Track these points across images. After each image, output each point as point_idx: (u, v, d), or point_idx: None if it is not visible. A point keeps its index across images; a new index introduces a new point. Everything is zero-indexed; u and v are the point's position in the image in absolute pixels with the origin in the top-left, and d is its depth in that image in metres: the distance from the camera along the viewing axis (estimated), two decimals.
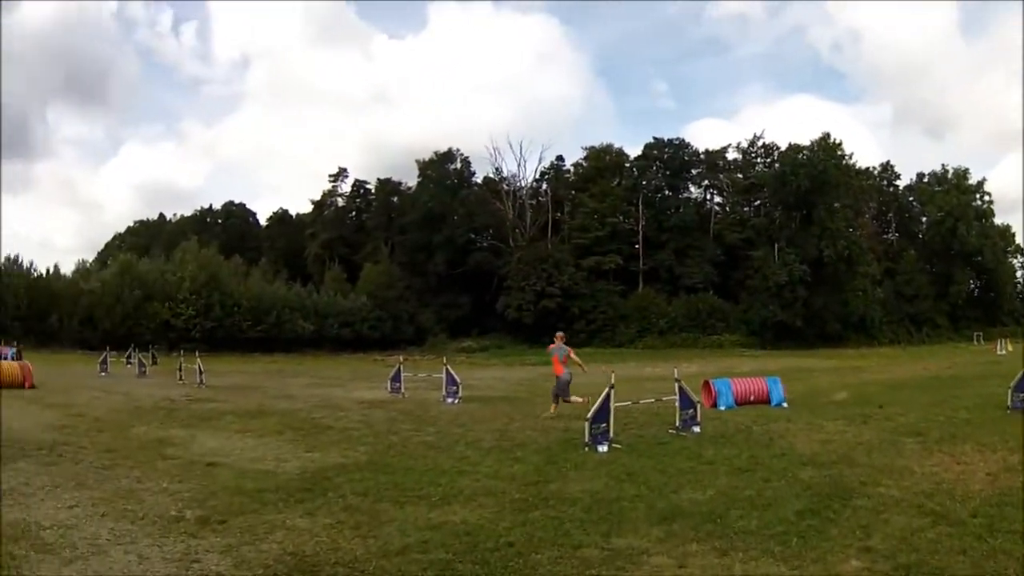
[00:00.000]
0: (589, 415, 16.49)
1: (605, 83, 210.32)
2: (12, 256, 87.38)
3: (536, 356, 75.18)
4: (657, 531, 9.91)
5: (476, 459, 15.26)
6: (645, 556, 8.93)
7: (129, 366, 51.34)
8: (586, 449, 15.98)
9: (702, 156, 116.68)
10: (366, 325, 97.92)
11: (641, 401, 21.86)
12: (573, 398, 22.69)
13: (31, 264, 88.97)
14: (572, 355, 23.31)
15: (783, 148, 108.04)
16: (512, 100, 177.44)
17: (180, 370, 40.15)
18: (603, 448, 15.99)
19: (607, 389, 16.96)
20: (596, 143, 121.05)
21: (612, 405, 17.04)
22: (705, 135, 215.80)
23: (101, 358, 47.90)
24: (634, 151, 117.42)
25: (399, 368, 31.89)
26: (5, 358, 43.27)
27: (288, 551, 9.27)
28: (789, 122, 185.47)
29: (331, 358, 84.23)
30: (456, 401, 27.34)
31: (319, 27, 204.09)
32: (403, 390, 30.37)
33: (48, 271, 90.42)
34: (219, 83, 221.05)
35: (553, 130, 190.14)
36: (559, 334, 23.97)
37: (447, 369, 28.77)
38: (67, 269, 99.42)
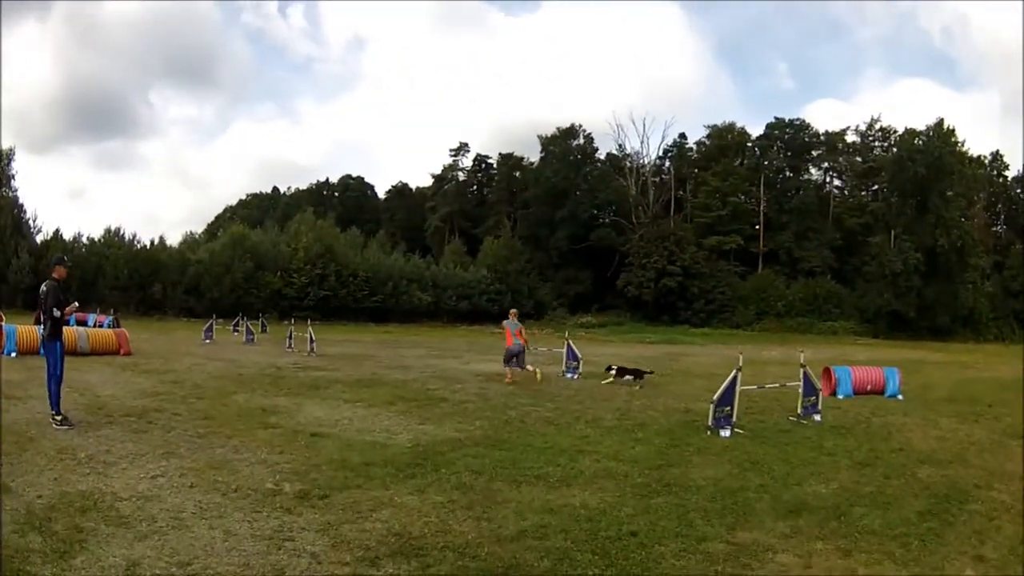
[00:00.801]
0: (714, 397, 15.94)
1: (727, 65, 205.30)
2: (113, 228, 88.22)
3: (655, 334, 75.69)
4: (782, 526, 9.43)
5: (596, 438, 14.81)
6: (770, 553, 8.45)
7: (236, 334, 51.76)
8: (708, 433, 15.59)
9: (822, 138, 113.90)
10: (484, 298, 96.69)
11: (766, 386, 21.07)
12: (528, 367, 25.87)
13: (134, 235, 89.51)
14: (523, 330, 26.35)
15: (900, 132, 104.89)
16: (633, 80, 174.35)
17: (290, 338, 40.18)
18: (726, 433, 15.55)
19: (734, 371, 16.28)
20: (718, 122, 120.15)
21: (738, 388, 16.41)
22: (824, 116, 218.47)
23: (206, 325, 47.30)
24: (755, 131, 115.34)
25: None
26: (102, 326, 43.21)
27: (393, 531, 8.75)
28: (904, 106, 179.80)
29: (448, 329, 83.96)
30: (576, 376, 26.97)
31: (434, 7, 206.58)
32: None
33: (152, 242, 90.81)
34: (333, 62, 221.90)
35: (675, 109, 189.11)
36: (513, 311, 27.62)
37: (568, 343, 28.51)
38: (174, 241, 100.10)
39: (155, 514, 9.05)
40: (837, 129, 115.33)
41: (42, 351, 15.25)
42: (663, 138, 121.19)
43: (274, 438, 14.04)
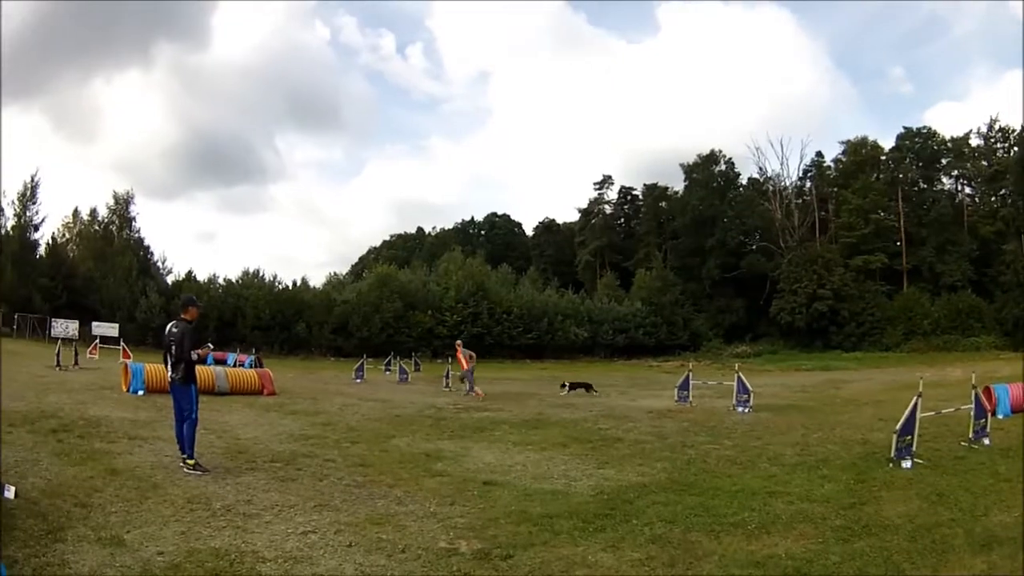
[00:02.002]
0: (897, 427, 15.04)
1: (845, 72, 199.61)
2: (252, 270, 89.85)
3: (810, 360, 74.59)
4: (979, 562, 8.69)
5: (783, 477, 13.78)
6: None
7: (388, 373, 50.98)
8: (891, 465, 14.63)
9: (949, 144, 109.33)
10: (641, 331, 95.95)
11: (943, 411, 19.59)
12: (476, 389, 32.60)
13: (274, 276, 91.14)
14: (473, 357, 35.24)
15: (1017, 131, 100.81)
16: (759, 97, 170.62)
17: (447, 377, 39.15)
18: (907, 464, 14.60)
19: (915, 398, 15.42)
20: (848, 136, 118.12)
21: (919, 415, 15.52)
22: (944, 120, 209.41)
23: (357, 365, 46.19)
24: (885, 142, 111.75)
25: (688, 375, 30.01)
26: (242, 366, 43.47)
27: None
28: (1015, 100, 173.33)
29: (605, 364, 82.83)
30: (747, 410, 25.75)
31: (554, 38, 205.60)
32: (690, 398, 28.63)
33: (295, 283, 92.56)
34: (460, 99, 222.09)
35: (804, 122, 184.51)
36: (459, 342, 36.85)
37: (739, 376, 27.14)
38: (316, 282, 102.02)
39: None
40: (960, 134, 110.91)
41: (173, 394, 14.09)
42: (801, 158, 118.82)
43: (442, 487, 12.81)
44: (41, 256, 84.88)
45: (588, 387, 33.39)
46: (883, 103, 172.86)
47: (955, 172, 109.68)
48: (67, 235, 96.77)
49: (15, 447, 14.09)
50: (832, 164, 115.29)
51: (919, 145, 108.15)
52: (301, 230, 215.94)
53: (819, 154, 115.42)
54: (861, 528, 9.99)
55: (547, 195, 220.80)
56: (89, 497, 10.74)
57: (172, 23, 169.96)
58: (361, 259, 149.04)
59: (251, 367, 39.05)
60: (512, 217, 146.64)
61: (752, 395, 26.34)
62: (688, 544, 9.31)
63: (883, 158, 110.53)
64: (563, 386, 31.90)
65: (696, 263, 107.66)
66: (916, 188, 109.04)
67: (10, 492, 10.27)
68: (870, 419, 22.02)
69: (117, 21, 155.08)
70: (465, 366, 34.53)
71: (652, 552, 8.97)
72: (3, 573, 6.52)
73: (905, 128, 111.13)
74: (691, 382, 29.26)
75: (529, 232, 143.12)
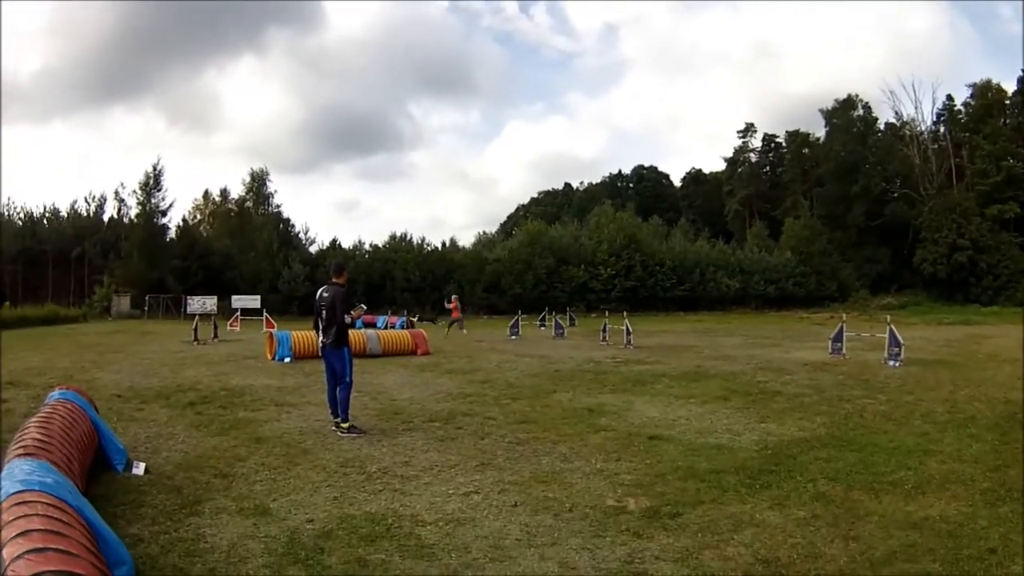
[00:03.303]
0: None
1: (962, 10, 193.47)
2: (399, 234, 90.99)
3: (951, 314, 72.33)
4: None
5: (935, 435, 13.19)
6: None
7: (543, 329, 50.67)
8: None
9: None
10: (791, 282, 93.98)
11: None
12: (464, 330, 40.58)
13: (422, 239, 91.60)
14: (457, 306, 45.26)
15: None
16: (884, 38, 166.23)
17: (604, 331, 37.71)
18: None
19: None
20: (974, 79, 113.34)
21: None
22: None
23: (512, 322, 44.45)
24: (1008, 85, 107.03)
25: (841, 327, 29.00)
26: (394, 327, 43.69)
27: (759, 557, 7.25)
28: None
29: (757, 316, 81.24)
30: (898, 364, 25.02)
31: None
32: (844, 350, 27.75)
33: (444, 244, 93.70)
34: (591, 55, 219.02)
35: (930, 67, 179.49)
36: (455, 297, 46.19)
37: (891, 329, 26.51)
38: (465, 242, 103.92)
39: (469, 542, 7.61)
40: None
41: (325, 358, 13.81)
42: (933, 102, 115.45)
43: (607, 443, 12.31)
44: (172, 239, 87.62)
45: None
46: (1002, 43, 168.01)
47: None
48: (198, 216, 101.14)
49: (147, 423, 13.91)
50: (962, 108, 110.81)
51: None
52: (446, 193, 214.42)
53: (949, 97, 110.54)
54: (1005, 492, 9.50)
55: (692, 145, 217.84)
56: (231, 467, 10.45)
57: (280, 10, 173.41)
58: (510, 217, 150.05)
59: (402, 328, 39.03)
60: (659, 168, 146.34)
61: (903, 348, 25.75)
62: (850, 503, 9.03)
63: (1007, 102, 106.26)
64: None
65: (841, 211, 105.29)
66: None
67: (139, 468, 10.04)
68: (1009, 377, 21.32)
69: (220, 15, 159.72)
70: (456, 315, 45.57)
71: (816, 510, 8.67)
72: (125, 555, 5.96)
73: None
74: (844, 334, 28.68)
75: (677, 183, 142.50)
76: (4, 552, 4.15)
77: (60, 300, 78.75)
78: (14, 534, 4.33)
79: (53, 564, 4.09)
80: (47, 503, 5.06)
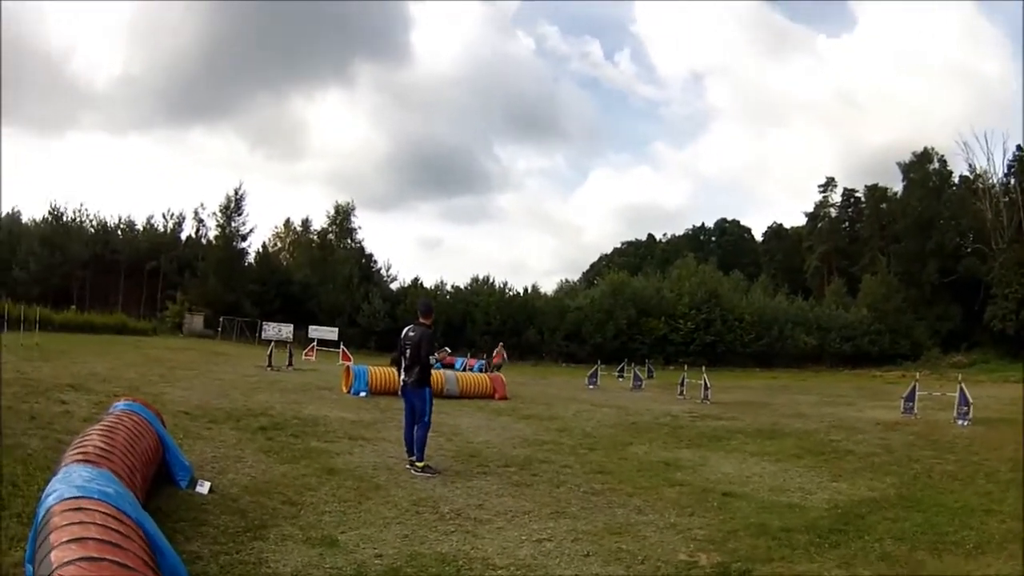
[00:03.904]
0: None
1: None
2: (481, 277, 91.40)
3: (1018, 371, 70.08)
4: None
5: (998, 494, 13.31)
6: None
7: (621, 380, 50.30)
8: None
9: None
10: (866, 339, 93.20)
11: None
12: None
13: (504, 283, 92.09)
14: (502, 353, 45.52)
15: None
16: (958, 89, 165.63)
17: (682, 384, 37.38)
18: None
19: None
20: None
21: None
22: None
23: (591, 371, 44.13)
24: None
25: (914, 386, 29.17)
26: (471, 370, 43.64)
27: None
28: None
29: (831, 373, 79.90)
30: (967, 423, 25.14)
31: (756, 35, 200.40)
32: (915, 410, 27.63)
33: (525, 289, 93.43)
34: (677, 103, 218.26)
35: (1000, 117, 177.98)
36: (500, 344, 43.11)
37: (961, 388, 26.63)
38: (546, 289, 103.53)
39: None
40: None
41: (406, 396, 13.78)
42: (1004, 152, 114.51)
43: (682, 497, 12.30)
44: (251, 264, 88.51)
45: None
46: None
47: None
48: (278, 244, 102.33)
49: (215, 443, 14.01)
50: None
51: None
52: (529, 237, 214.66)
53: (1019, 148, 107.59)
54: None
55: (774, 198, 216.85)
56: (300, 496, 10.44)
57: (367, 43, 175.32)
58: (592, 266, 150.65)
59: (480, 371, 39.40)
60: (741, 222, 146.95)
61: (972, 407, 25.79)
62: (914, 563, 9.10)
63: None
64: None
65: (917, 268, 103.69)
66: None
67: (204, 487, 10.02)
68: None
69: (309, 42, 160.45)
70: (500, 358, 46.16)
71: (881, 570, 8.77)
72: (183, 572, 5.85)
73: None
74: (916, 393, 28.55)
75: (758, 237, 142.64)
76: (53, 555, 4.07)
77: (130, 311, 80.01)
78: (66, 539, 4.24)
79: (107, 574, 4.00)
80: (106, 513, 4.94)
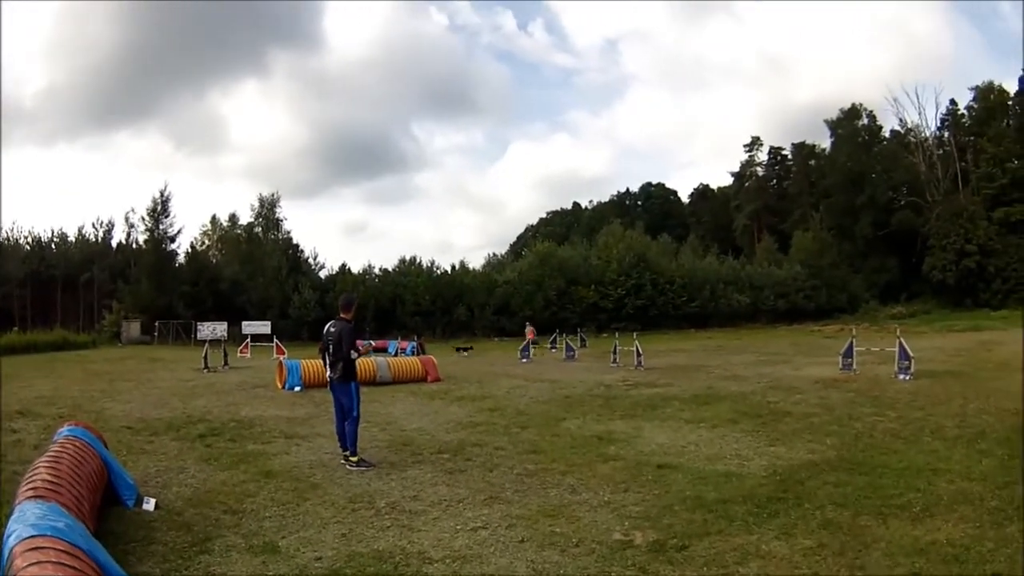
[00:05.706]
0: None
1: (964, 11, 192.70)
2: (408, 258, 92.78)
3: (961, 320, 73.18)
4: None
5: (944, 452, 13.36)
6: None
7: (554, 350, 50.82)
8: None
9: None
10: (801, 295, 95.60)
11: None
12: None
13: (431, 262, 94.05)
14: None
15: None
16: (885, 44, 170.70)
17: (615, 352, 37.92)
18: None
19: None
20: (976, 81, 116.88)
21: None
22: None
23: (522, 345, 45.76)
24: (1010, 86, 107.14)
25: (851, 342, 29.08)
26: (404, 352, 44.51)
27: None
28: None
29: (768, 331, 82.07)
30: (908, 377, 25.18)
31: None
32: (854, 366, 27.96)
33: (453, 267, 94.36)
34: (593, 71, 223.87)
35: (932, 71, 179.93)
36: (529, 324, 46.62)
37: (900, 342, 26.61)
38: (474, 265, 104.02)
39: None
40: None
41: (333, 392, 13.90)
42: (936, 107, 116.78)
43: (616, 473, 12.38)
44: (181, 265, 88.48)
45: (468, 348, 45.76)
46: (1003, 43, 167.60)
47: None
48: (207, 242, 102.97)
49: (157, 456, 14.01)
50: (965, 112, 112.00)
51: None
52: (454, 215, 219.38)
53: (952, 102, 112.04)
54: (1013, 511, 9.53)
55: (698, 160, 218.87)
56: (240, 503, 10.52)
57: (280, 31, 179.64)
58: (519, 238, 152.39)
59: (412, 354, 39.60)
60: (667, 185, 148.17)
61: (913, 361, 25.78)
62: (857, 529, 9.09)
63: (1009, 103, 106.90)
64: (458, 350, 38.48)
65: (849, 222, 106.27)
66: None
67: (150, 504, 10.09)
68: (1020, 387, 20.99)
69: (223, 35, 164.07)
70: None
71: (823, 539, 8.72)
72: None
73: None
74: (854, 349, 28.68)
75: (685, 199, 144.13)
76: None
77: (69, 325, 79.65)
78: None
79: None
80: (60, 549, 5.17)
